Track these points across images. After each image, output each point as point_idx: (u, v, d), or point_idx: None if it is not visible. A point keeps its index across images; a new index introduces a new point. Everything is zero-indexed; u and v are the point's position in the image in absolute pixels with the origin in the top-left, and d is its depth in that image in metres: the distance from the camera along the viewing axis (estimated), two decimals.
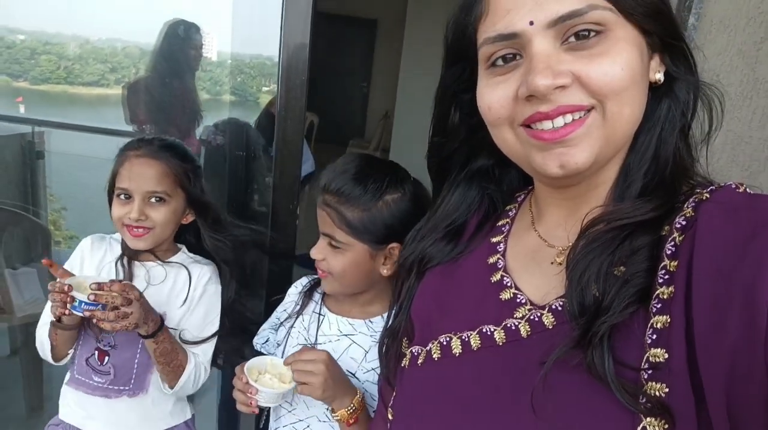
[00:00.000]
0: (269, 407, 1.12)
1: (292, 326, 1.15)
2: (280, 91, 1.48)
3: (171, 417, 1.34)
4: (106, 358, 1.24)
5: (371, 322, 1.10)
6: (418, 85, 4.64)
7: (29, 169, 2.33)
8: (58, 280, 1.07)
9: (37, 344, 1.25)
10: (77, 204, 2.45)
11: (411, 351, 0.71)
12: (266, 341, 1.21)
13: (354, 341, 1.09)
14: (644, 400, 0.46)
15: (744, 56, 1.11)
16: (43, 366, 2.07)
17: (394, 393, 0.74)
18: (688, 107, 0.58)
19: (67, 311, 1.05)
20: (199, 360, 1.27)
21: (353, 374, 1.05)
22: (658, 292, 0.49)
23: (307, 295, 1.18)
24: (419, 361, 0.67)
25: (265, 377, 1.02)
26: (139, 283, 1.23)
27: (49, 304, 1.15)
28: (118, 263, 1.25)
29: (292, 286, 1.25)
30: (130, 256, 1.27)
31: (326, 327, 1.11)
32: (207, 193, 1.33)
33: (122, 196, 1.20)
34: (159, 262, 1.28)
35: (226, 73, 1.92)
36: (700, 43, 1.12)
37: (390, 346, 0.77)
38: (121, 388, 1.25)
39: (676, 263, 0.49)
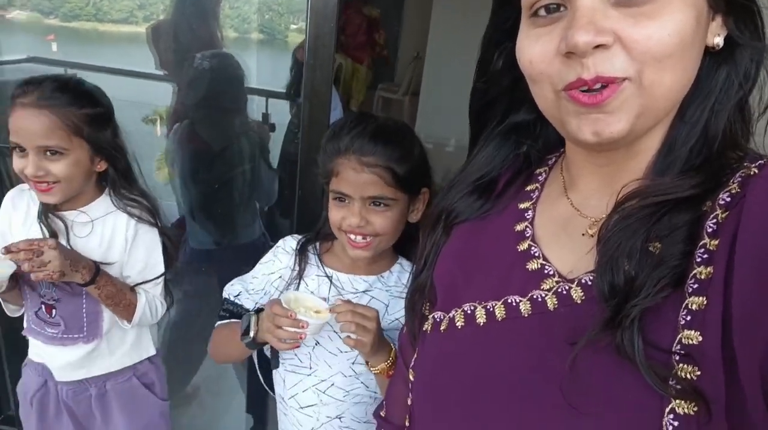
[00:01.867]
0: (274, 351, 1.13)
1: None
2: (309, 38, 1.42)
3: (132, 355, 1.38)
4: (54, 311, 1.27)
5: (382, 277, 1.13)
6: (452, 25, 4.46)
7: None
8: None
9: None
10: None
11: (433, 316, 0.69)
12: (238, 294, 1.19)
13: (373, 296, 1.10)
14: (674, 382, 0.45)
15: None
16: None
17: (416, 355, 0.73)
18: (749, 77, 0.53)
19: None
20: (150, 296, 1.30)
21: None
22: (695, 271, 0.47)
23: (303, 258, 1.15)
24: (442, 327, 0.67)
25: (300, 311, 1.02)
26: (61, 237, 1.22)
27: None
28: (39, 220, 1.23)
29: (278, 248, 1.19)
30: (47, 209, 1.23)
31: (338, 287, 1.11)
32: (120, 140, 1.25)
33: (17, 149, 1.13)
34: (80, 210, 1.24)
35: (254, 10, 1.87)
36: None
37: (417, 301, 0.76)
38: (75, 336, 1.29)
39: (716, 242, 0.46)
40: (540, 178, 0.70)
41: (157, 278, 1.32)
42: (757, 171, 0.49)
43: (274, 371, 1.17)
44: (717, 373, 0.43)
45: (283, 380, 1.16)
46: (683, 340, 0.46)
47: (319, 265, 1.14)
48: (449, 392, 0.62)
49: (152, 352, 1.43)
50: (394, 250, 1.16)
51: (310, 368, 1.11)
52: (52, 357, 1.33)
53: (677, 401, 0.45)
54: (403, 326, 0.84)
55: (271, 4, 1.93)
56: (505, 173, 0.71)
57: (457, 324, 0.64)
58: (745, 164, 0.50)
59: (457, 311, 0.65)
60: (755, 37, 0.53)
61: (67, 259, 1.12)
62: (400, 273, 1.15)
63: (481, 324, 0.61)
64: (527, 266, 0.61)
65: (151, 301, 1.31)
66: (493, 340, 0.60)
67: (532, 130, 0.70)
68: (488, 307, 0.61)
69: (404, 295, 1.03)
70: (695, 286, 0.47)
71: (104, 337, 1.32)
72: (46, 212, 1.23)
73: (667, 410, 0.45)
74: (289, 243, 1.19)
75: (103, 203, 1.28)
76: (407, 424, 0.75)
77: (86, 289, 1.19)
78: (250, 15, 1.96)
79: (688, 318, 0.46)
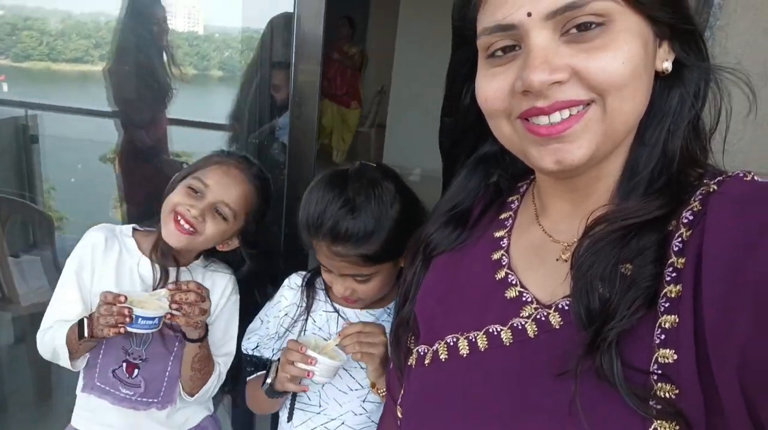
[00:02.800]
0: (292, 404, 1.09)
1: (303, 330, 1.10)
2: (294, 76, 1.37)
3: (193, 417, 1.30)
4: (136, 370, 1.19)
5: (389, 308, 1.11)
6: (415, 60, 4.55)
7: (24, 154, 2.24)
8: (107, 296, 1.02)
9: (42, 349, 1.16)
10: (63, 185, 2.40)
11: (417, 350, 0.69)
12: (256, 346, 1.16)
13: None
14: (654, 402, 0.45)
15: None
16: None
17: (402, 391, 0.73)
18: (699, 96, 0.56)
19: (123, 330, 1.01)
20: (221, 369, 1.24)
21: None
22: (665, 290, 0.48)
23: (309, 294, 1.13)
24: (426, 361, 0.66)
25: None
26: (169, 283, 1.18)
27: (51, 308, 1.14)
28: (153, 261, 1.17)
29: (284, 287, 1.17)
30: (163, 251, 1.17)
31: (346, 322, 1.08)
32: (260, 233, 1.26)
33: (193, 190, 1.12)
34: (185, 268, 1.21)
35: (213, 48, 1.85)
36: (724, 23, 1.12)
37: (401, 335, 0.76)
38: (150, 400, 1.21)
39: (683, 260, 0.48)
40: (513, 205, 0.71)
41: (229, 353, 1.26)
42: (716, 188, 0.50)
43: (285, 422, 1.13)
44: (695, 390, 0.44)
45: (290, 417, 1.12)
46: (659, 359, 0.46)
47: (327, 300, 1.12)
48: (437, 425, 0.62)
49: (211, 409, 1.36)
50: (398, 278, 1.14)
51: (320, 406, 1.08)
52: (107, 424, 1.21)
53: (659, 421, 0.45)
54: (390, 361, 0.83)
55: (230, 41, 1.91)
56: (479, 203, 0.73)
57: (441, 357, 0.64)
58: (705, 181, 0.52)
59: (440, 344, 0.65)
60: (700, 57, 0.55)
61: None
62: None
63: (465, 355, 0.61)
64: (506, 294, 0.61)
65: (220, 375, 1.23)
66: (477, 371, 0.60)
67: (500, 160, 0.71)
68: (470, 338, 0.62)
69: None
70: (666, 304, 0.47)
71: (181, 404, 1.24)
72: (164, 256, 1.17)
73: None
74: (294, 280, 1.17)
75: (202, 262, 1.26)
76: None
77: (188, 347, 1.13)
78: (209, 53, 1.94)
79: (663, 337, 0.47)
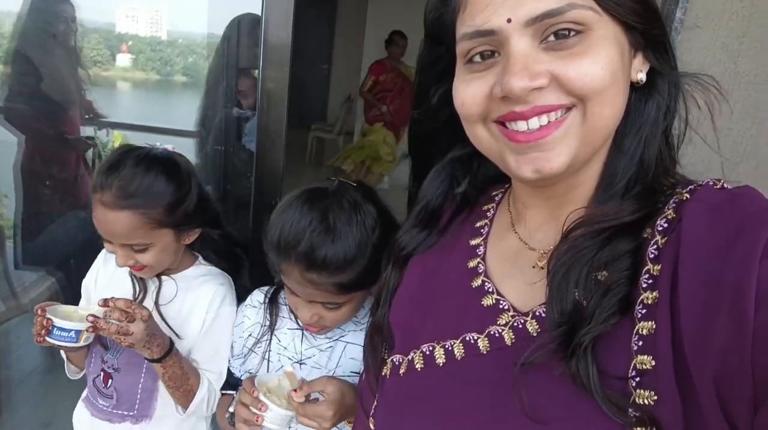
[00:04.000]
0: None
1: (268, 351, 1.05)
2: (262, 80, 1.35)
3: None
4: (110, 381, 1.15)
5: (356, 318, 1.03)
6: None
7: None
8: (37, 307, 1.04)
9: None
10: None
11: (392, 360, 0.67)
12: (229, 363, 1.13)
13: (347, 341, 1.03)
14: (632, 409, 0.45)
15: (727, 50, 1.15)
16: None
17: (375, 402, 0.71)
18: (670, 107, 0.57)
19: (41, 340, 1.01)
20: (213, 386, 1.18)
21: (357, 373, 0.98)
22: (642, 297, 0.48)
23: (272, 311, 1.07)
24: (401, 371, 0.65)
25: (273, 397, 0.93)
26: (148, 300, 1.14)
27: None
28: (132, 274, 1.14)
29: (246, 306, 1.11)
30: None
31: (311, 339, 1.03)
32: (204, 194, 1.14)
33: (105, 237, 1.07)
34: (170, 277, 1.16)
35: (176, 53, 1.80)
36: (685, 37, 1.16)
37: (377, 343, 0.73)
38: (125, 413, 1.16)
39: (659, 267, 0.48)
40: (489, 214, 0.70)
41: (218, 372, 1.18)
42: (689, 196, 0.50)
43: None
44: (673, 395, 0.44)
45: None
46: (637, 365, 0.46)
47: (291, 317, 1.05)
48: None
49: None
50: None
51: None
52: None
53: (637, 428, 0.45)
54: (362, 373, 0.81)
55: (195, 47, 1.87)
56: (448, 208, 0.72)
57: (417, 366, 0.63)
58: (677, 190, 0.52)
59: (416, 353, 0.64)
60: (670, 67, 0.57)
61: (147, 334, 1.02)
62: None
63: (441, 364, 0.60)
64: (482, 302, 0.61)
65: (211, 391, 1.16)
66: (454, 380, 0.59)
67: (470, 166, 0.71)
68: (447, 346, 0.61)
69: None
70: (643, 311, 0.47)
71: (158, 420, 1.18)
72: None
73: None
74: (256, 297, 1.10)
75: (194, 271, 1.19)
76: None
77: (153, 365, 1.07)
78: (173, 58, 1.89)
79: (640, 343, 0.46)
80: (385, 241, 0.82)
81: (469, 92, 0.55)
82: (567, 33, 0.49)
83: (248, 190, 1.46)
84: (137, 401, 1.16)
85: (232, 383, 1.11)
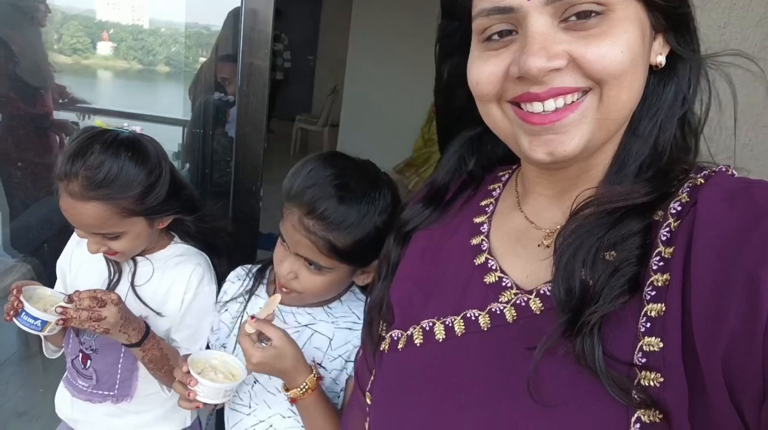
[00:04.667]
0: (213, 408, 1.05)
1: (241, 315, 1.07)
2: (242, 65, 1.36)
3: (164, 424, 1.23)
4: (89, 361, 1.14)
5: (329, 307, 1.04)
6: (368, 60, 4.56)
7: None
8: (17, 286, 1.03)
9: None
10: None
11: (390, 335, 0.67)
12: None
13: (316, 330, 1.03)
14: (636, 391, 0.45)
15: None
16: None
17: (372, 377, 0.71)
18: (689, 92, 0.56)
19: (8, 318, 1.00)
20: None
21: (320, 364, 0.99)
22: (652, 279, 0.47)
23: (260, 277, 1.09)
24: (399, 346, 0.65)
25: (211, 373, 0.95)
26: (123, 282, 1.13)
27: None
28: (105, 256, 1.12)
29: (227, 282, 1.14)
30: None
31: (281, 320, 1.04)
32: (177, 178, 1.12)
33: (74, 226, 1.05)
34: (146, 257, 1.15)
35: (159, 42, 1.79)
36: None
37: (374, 319, 0.73)
38: (105, 393, 1.16)
39: (671, 250, 0.47)
40: (494, 193, 0.70)
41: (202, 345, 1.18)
42: (703, 181, 0.50)
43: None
44: (679, 378, 0.44)
45: (227, 418, 1.09)
46: (644, 347, 0.46)
47: (265, 295, 1.07)
48: (410, 410, 0.60)
49: (188, 423, 1.27)
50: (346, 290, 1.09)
51: (250, 406, 1.04)
52: (75, 419, 1.19)
53: (640, 411, 0.45)
54: (359, 351, 0.81)
55: (177, 36, 1.85)
56: (454, 186, 0.72)
57: (416, 341, 0.62)
58: (691, 176, 0.52)
59: (415, 328, 0.63)
60: (692, 49, 0.55)
61: (122, 318, 1.01)
62: (352, 303, 1.07)
63: (441, 340, 0.60)
64: (485, 280, 0.60)
65: None
66: (454, 356, 0.59)
67: (478, 144, 0.70)
68: (447, 322, 0.60)
69: (352, 326, 1.01)
70: (653, 293, 0.47)
71: (140, 398, 1.18)
72: None
73: (633, 419, 0.45)
74: (237, 273, 1.13)
75: (171, 250, 1.17)
76: None
77: (132, 349, 1.07)
78: (155, 47, 1.88)
79: (648, 325, 0.46)
80: (387, 230, 0.83)
81: (485, 71, 0.53)
82: (588, 14, 0.48)
83: (229, 176, 1.48)
84: (117, 381, 1.16)
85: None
